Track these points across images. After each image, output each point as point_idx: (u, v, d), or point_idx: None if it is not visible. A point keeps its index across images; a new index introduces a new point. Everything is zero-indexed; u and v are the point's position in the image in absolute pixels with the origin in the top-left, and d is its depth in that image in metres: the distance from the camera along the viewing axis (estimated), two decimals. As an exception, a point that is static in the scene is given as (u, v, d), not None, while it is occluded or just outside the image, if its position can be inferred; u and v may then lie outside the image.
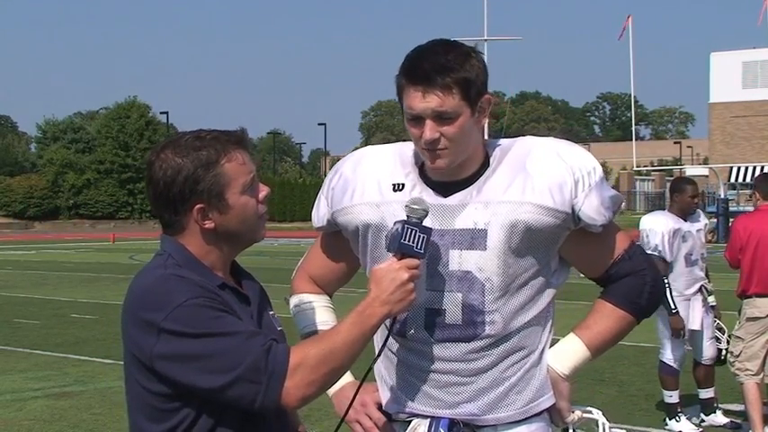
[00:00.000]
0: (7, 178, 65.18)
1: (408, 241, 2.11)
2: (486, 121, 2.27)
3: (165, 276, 2.08)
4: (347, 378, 2.43)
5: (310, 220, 2.52)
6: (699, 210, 6.86)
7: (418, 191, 2.30)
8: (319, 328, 2.47)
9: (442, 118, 2.18)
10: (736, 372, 6.35)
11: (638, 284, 2.35)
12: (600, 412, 2.40)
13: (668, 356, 6.69)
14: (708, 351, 6.77)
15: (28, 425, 6.89)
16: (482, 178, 2.28)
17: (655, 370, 7.01)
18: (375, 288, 2.10)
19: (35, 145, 78.86)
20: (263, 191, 2.18)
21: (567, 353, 2.35)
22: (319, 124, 75.14)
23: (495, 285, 2.25)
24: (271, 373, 1.99)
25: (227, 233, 2.13)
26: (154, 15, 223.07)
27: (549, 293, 2.35)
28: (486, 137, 2.39)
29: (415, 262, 2.11)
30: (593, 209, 2.25)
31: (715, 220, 34.53)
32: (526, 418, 2.32)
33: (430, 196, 2.28)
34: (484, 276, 2.24)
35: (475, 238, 2.24)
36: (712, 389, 6.86)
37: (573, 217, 2.25)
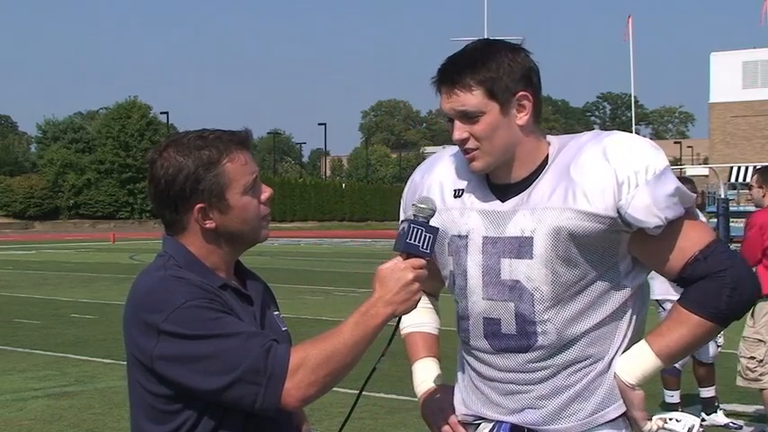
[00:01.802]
0: (7, 178, 65.17)
1: (414, 241, 2.07)
2: (526, 117, 2.17)
3: (165, 278, 2.07)
4: (438, 380, 2.43)
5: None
6: (697, 210, 6.81)
7: (475, 196, 2.26)
8: (414, 329, 2.50)
9: (467, 117, 2.16)
10: (759, 377, 6.16)
11: (715, 287, 2.14)
12: (696, 420, 2.23)
13: (670, 356, 6.66)
14: (709, 350, 6.76)
15: (28, 425, 6.87)
16: (535, 182, 2.20)
17: (656, 370, 6.99)
18: (379, 288, 2.06)
19: (35, 145, 78.87)
20: (266, 192, 2.16)
21: (635, 360, 2.21)
22: (319, 124, 75.33)
23: (545, 295, 2.16)
24: (270, 374, 1.97)
25: (228, 233, 2.12)
26: (154, 15, 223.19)
27: (619, 297, 2.20)
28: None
29: (420, 262, 2.06)
30: (641, 210, 2.09)
31: (715, 220, 34.48)
32: (591, 429, 2.22)
33: (486, 201, 2.24)
34: (532, 286, 2.17)
35: (522, 246, 2.17)
36: (713, 388, 6.85)
37: (622, 220, 2.11)
